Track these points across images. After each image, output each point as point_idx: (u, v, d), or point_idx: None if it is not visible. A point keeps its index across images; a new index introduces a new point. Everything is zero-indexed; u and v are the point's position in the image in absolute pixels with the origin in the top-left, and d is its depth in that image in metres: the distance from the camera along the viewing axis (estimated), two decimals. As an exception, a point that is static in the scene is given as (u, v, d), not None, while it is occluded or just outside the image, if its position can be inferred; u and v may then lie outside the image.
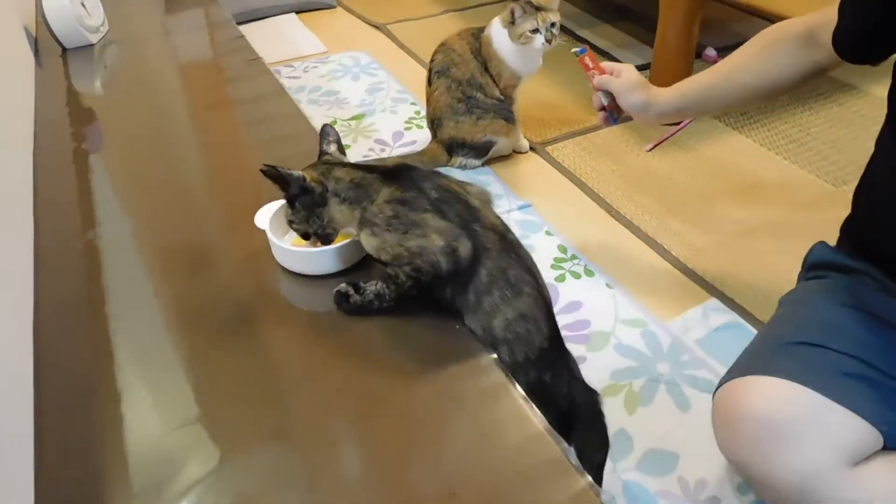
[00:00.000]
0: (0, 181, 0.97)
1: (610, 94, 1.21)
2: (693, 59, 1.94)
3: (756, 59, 1.08)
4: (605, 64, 1.23)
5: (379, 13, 2.65)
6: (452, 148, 1.74)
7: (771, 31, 1.07)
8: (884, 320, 0.91)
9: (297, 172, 0.82)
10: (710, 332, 1.27)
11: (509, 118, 1.72)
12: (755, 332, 1.26)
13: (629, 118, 1.24)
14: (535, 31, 1.60)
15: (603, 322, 1.30)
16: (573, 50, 1.25)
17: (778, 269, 1.39)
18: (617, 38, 2.40)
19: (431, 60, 1.72)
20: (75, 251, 0.98)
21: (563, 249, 1.49)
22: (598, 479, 0.85)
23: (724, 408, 0.89)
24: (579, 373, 0.86)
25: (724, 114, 1.93)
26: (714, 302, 1.34)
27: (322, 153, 0.88)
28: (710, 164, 1.76)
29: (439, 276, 0.77)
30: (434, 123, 1.74)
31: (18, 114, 1.24)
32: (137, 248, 0.98)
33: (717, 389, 0.92)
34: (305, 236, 0.86)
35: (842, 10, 0.92)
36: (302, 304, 0.88)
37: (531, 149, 1.84)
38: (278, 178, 0.81)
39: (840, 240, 1.05)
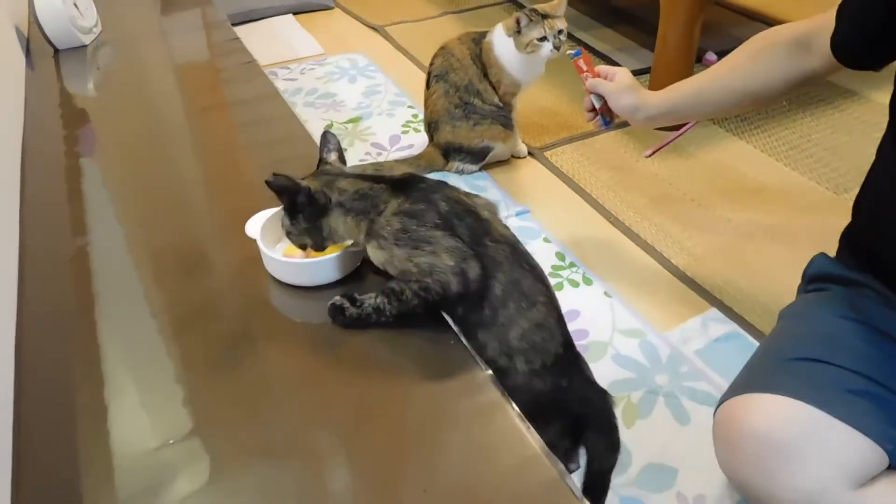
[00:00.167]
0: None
1: (602, 98, 1.21)
2: (694, 63, 1.92)
3: (745, 65, 1.07)
4: (600, 68, 1.23)
5: (377, 15, 2.63)
6: (449, 152, 1.71)
7: (761, 37, 1.06)
8: (885, 333, 0.89)
9: (305, 183, 0.80)
10: (710, 343, 1.25)
11: (507, 124, 1.70)
12: (755, 343, 1.24)
13: (624, 123, 1.23)
14: (543, 39, 1.58)
15: (601, 332, 1.28)
16: (568, 52, 1.26)
17: (778, 278, 1.37)
18: (616, 42, 2.38)
19: (431, 64, 1.70)
20: (61, 258, 0.96)
21: (561, 257, 1.47)
22: (607, 482, 0.84)
23: (724, 426, 0.88)
24: (592, 375, 0.86)
25: (715, 119, 1.92)
26: (714, 312, 1.33)
27: (322, 161, 0.86)
28: (710, 170, 1.74)
29: (448, 297, 0.75)
30: (431, 127, 1.72)
31: (6, 115, 1.22)
32: (125, 257, 0.96)
33: (717, 407, 0.90)
34: (303, 247, 0.84)
35: (840, 14, 0.91)
36: (293, 316, 0.86)
37: (529, 154, 1.82)
38: (285, 189, 0.79)
39: (840, 250, 1.03)
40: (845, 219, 1.01)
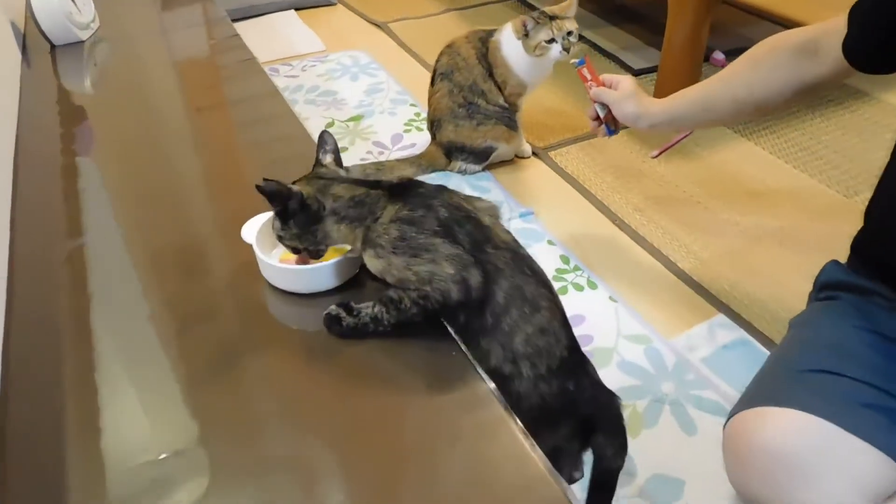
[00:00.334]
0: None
1: (606, 107, 1.21)
2: (701, 62, 1.89)
3: (749, 72, 1.05)
4: (604, 76, 1.23)
5: (379, 11, 2.60)
6: (451, 152, 1.69)
7: (766, 44, 1.04)
8: (898, 343, 0.87)
9: (297, 188, 0.77)
10: (717, 350, 1.23)
11: (511, 124, 1.67)
12: (763, 350, 1.22)
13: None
14: (552, 41, 1.55)
15: (606, 338, 1.26)
16: (572, 61, 1.25)
17: (787, 284, 1.34)
18: (622, 41, 2.35)
19: (437, 61, 1.67)
20: (53, 260, 0.93)
21: (565, 260, 1.44)
22: (614, 483, 0.82)
23: (735, 439, 0.85)
24: (598, 376, 0.84)
25: (719, 127, 1.88)
26: (721, 317, 1.30)
27: (317, 163, 0.84)
28: (717, 171, 1.71)
29: (448, 305, 0.73)
30: (434, 125, 1.69)
31: (0, 112, 1.19)
32: (118, 261, 0.94)
33: (727, 420, 0.88)
34: (296, 251, 0.82)
35: (852, 17, 0.89)
36: (290, 324, 0.83)
37: (534, 154, 1.79)
38: (277, 194, 0.77)
39: (851, 256, 1.01)
40: (855, 223, 0.98)
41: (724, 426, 0.89)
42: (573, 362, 0.80)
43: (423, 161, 1.71)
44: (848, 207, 1.56)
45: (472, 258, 0.74)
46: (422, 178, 1.69)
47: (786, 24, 1.84)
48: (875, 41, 0.87)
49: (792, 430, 0.82)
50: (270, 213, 0.83)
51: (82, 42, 1.55)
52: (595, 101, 1.22)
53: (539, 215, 1.57)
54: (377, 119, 1.94)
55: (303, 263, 0.82)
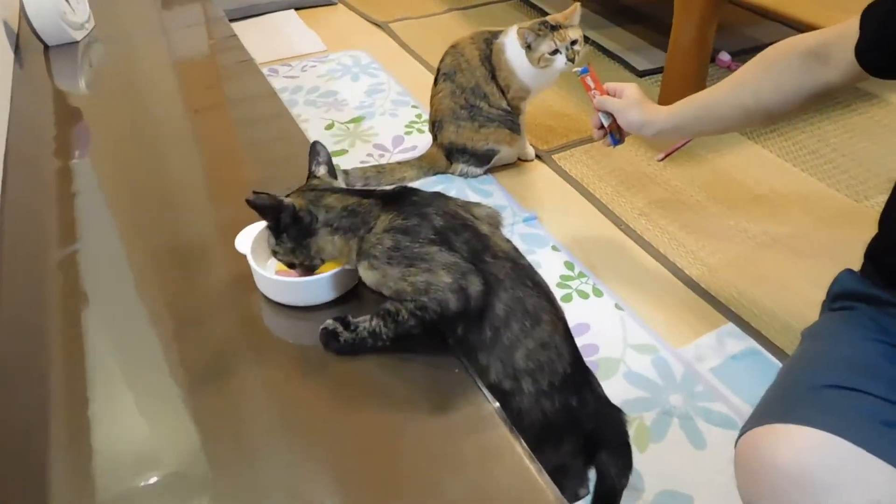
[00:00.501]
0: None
1: (611, 115, 1.19)
2: (708, 64, 1.86)
3: (756, 78, 1.02)
4: (608, 84, 1.21)
5: (380, 11, 2.57)
6: (452, 153, 1.65)
7: (774, 49, 1.01)
8: (919, 358, 0.83)
9: (289, 200, 0.74)
10: (726, 361, 1.19)
11: (514, 128, 1.64)
12: (774, 360, 1.18)
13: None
14: (555, 52, 1.51)
15: (612, 347, 1.22)
16: (575, 70, 1.24)
17: (797, 291, 1.31)
18: (626, 41, 2.31)
19: (441, 61, 1.64)
20: (41, 267, 0.90)
21: (570, 266, 1.41)
22: (618, 503, 0.80)
23: (747, 459, 0.82)
24: (602, 390, 0.82)
25: (725, 134, 1.84)
26: (730, 326, 1.26)
27: (310, 174, 0.81)
28: (724, 175, 1.68)
29: (446, 315, 0.70)
30: (435, 126, 1.66)
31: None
32: (109, 270, 0.90)
33: (739, 436, 0.84)
34: (292, 266, 0.79)
35: (865, 20, 0.86)
36: (285, 338, 0.80)
37: (537, 157, 1.76)
38: (268, 208, 0.74)
39: (865, 265, 0.97)
40: (865, 228, 0.95)
41: (736, 442, 0.86)
42: (576, 377, 0.77)
43: (423, 163, 1.67)
44: (858, 212, 1.53)
45: (472, 266, 0.71)
46: (424, 180, 1.67)
47: (792, 24, 1.81)
48: (889, 45, 0.84)
49: (807, 448, 0.78)
50: (265, 223, 0.80)
51: (77, 42, 1.52)
52: (599, 110, 1.21)
53: (543, 220, 1.53)
54: (378, 121, 1.90)
55: (303, 275, 0.79)
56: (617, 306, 1.31)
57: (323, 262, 0.78)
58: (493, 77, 1.59)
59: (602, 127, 1.22)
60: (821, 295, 1.00)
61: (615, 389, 1.14)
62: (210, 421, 0.69)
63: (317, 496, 0.63)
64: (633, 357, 1.21)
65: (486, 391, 0.71)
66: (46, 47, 1.50)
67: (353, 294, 0.81)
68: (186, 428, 0.68)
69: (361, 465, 0.64)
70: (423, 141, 1.79)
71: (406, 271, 0.71)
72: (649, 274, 1.40)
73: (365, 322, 0.73)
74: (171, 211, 1.02)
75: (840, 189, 1.62)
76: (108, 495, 0.63)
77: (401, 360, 0.73)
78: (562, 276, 1.38)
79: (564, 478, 0.76)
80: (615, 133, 1.21)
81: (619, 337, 1.25)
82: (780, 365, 1.19)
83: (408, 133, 1.85)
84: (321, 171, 0.81)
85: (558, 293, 1.34)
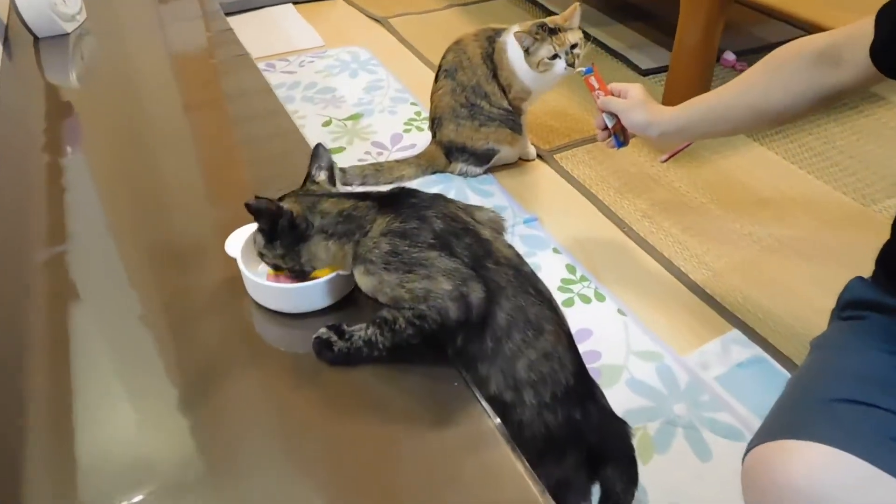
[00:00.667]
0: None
1: (615, 116, 1.17)
2: (713, 63, 1.83)
3: (765, 80, 0.99)
4: (613, 85, 1.18)
5: (380, 6, 2.53)
6: (451, 152, 1.62)
7: (783, 50, 0.98)
8: (933, 371, 0.80)
9: (286, 206, 0.71)
10: (732, 369, 1.16)
11: (515, 127, 1.60)
12: (781, 369, 1.15)
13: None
14: (555, 57, 1.47)
15: (615, 354, 1.19)
16: (578, 70, 1.19)
17: (803, 296, 1.28)
18: (630, 39, 2.28)
19: (443, 57, 1.60)
20: (26, 267, 0.87)
21: (571, 270, 1.37)
22: None
23: (757, 474, 0.79)
24: (607, 402, 0.79)
25: (731, 136, 1.81)
26: (735, 333, 1.23)
27: (310, 178, 0.77)
28: (729, 176, 1.65)
29: (446, 325, 0.66)
30: (435, 123, 1.63)
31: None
32: (97, 272, 0.87)
33: (747, 452, 0.81)
34: (277, 269, 0.75)
35: (881, 20, 0.83)
36: (277, 346, 0.77)
37: (539, 157, 1.72)
38: (267, 213, 0.71)
39: (876, 271, 0.94)
40: (872, 232, 0.92)
41: (744, 457, 0.83)
42: (580, 389, 0.75)
43: (422, 161, 1.64)
44: (865, 216, 1.50)
45: (473, 272, 0.68)
46: (423, 179, 1.63)
47: (799, 24, 1.77)
48: None
49: (820, 465, 0.75)
50: (255, 226, 0.76)
51: (67, 34, 1.48)
52: (603, 111, 1.18)
53: (544, 222, 1.50)
54: (377, 118, 1.87)
55: (293, 280, 0.76)
56: (620, 311, 1.28)
57: (314, 268, 0.74)
58: (495, 76, 1.55)
59: (606, 128, 1.19)
60: (828, 300, 0.97)
61: (618, 397, 1.11)
62: (198, 430, 0.66)
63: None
64: (637, 364, 1.18)
65: (486, 406, 0.68)
66: (36, 39, 1.46)
67: (348, 300, 0.78)
68: (174, 437, 0.65)
69: (355, 480, 0.61)
70: (421, 139, 1.75)
71: (404, 277, 0.67)
72: (652, 278, 1.37)
73: (360, 331, 0.70)
74: (162, 209, 0.99)
75: (847, 192, 1.58)
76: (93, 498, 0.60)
77: (398, 372, 0.70)
78: (563, 280, 1.35)
79: (567, 492, 0.74)
80: (619, 135, 1.18)
81: (622, 343, 1.22)
82: (787, 374, 1.16)
83: (406, 131, 1.82)
84: (321, 176, 0.77)
85: (559, 297, 1.31)
